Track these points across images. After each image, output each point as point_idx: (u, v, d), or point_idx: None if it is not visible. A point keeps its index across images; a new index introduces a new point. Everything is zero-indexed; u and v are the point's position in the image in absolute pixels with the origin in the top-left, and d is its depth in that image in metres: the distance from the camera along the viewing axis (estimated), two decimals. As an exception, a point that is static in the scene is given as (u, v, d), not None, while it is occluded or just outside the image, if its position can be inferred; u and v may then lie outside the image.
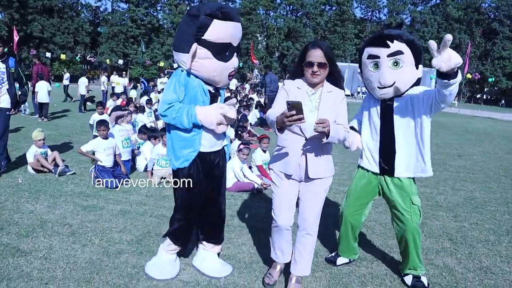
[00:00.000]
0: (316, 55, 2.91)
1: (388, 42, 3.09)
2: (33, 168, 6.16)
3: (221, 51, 2.97)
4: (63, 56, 41.69)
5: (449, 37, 2.46)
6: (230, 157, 6.54)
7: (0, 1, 44.19)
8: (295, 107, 2.53)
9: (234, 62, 3.11)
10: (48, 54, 40.42)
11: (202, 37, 2.88)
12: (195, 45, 2.88)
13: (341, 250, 3.76)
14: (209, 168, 3.24)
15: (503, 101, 56.55)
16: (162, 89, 15.08)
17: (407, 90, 3.22)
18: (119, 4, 54.13)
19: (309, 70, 2.94)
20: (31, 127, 9.93)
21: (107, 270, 3.33)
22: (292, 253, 3.26)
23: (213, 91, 3.18)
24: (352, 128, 3.52)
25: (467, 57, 31.21)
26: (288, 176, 3.10)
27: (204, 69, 2.99)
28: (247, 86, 27.43)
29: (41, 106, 12.66)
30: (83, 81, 16.64)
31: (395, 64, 3.12)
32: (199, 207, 3.30)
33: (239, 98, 16.17)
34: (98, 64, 49.25)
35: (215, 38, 2.90)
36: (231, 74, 3.12)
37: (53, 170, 6.10)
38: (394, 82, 3.14)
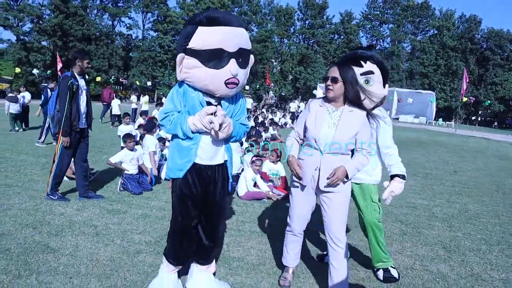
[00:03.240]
0: (331, 70, 2.93)
1: (362, 62, 3.12)
2: (66, 176, 6.20)
3: (210, 58, 2.55)
4: (98, 78, 42.45)
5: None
6: (243, 169, 6.53)
7: (45, 30, 45.39)
8: None
9: (231, 68, 2.59)
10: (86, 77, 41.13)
11: (187, 46, 2.55)
12: (181, 55, 2.59)
13: None
14: (205, 183, 2.83)
15: (496, 123, 55.92)
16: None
17: (374, 107, 3.24)
18: (149, 32, 55.11)
19: (324, 85, 2.95)
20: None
21: (125, 268, 3.31)
22: (329, 271, 3.02)
23: (214, 103, 2.75)
24: None
25: (464, 83, 30.89)
26: (303, 187, 3.01)
27: (195, 78, 2.62)
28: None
29: (115, 116, 16.57)
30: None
31: (366, 82, 3.14)
32: (194, 221, 2.89)
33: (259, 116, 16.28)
34: (129, 85, 50.04)
35: (200, 45, 2.53)
36: (228, 81, 2.62)
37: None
38: (364, 98, 3.10)
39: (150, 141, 6.83)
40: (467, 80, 29.42)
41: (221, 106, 2.77)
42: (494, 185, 8.66)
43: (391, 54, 57.81)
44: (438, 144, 18.38)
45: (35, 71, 42.19)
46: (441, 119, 48.54)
